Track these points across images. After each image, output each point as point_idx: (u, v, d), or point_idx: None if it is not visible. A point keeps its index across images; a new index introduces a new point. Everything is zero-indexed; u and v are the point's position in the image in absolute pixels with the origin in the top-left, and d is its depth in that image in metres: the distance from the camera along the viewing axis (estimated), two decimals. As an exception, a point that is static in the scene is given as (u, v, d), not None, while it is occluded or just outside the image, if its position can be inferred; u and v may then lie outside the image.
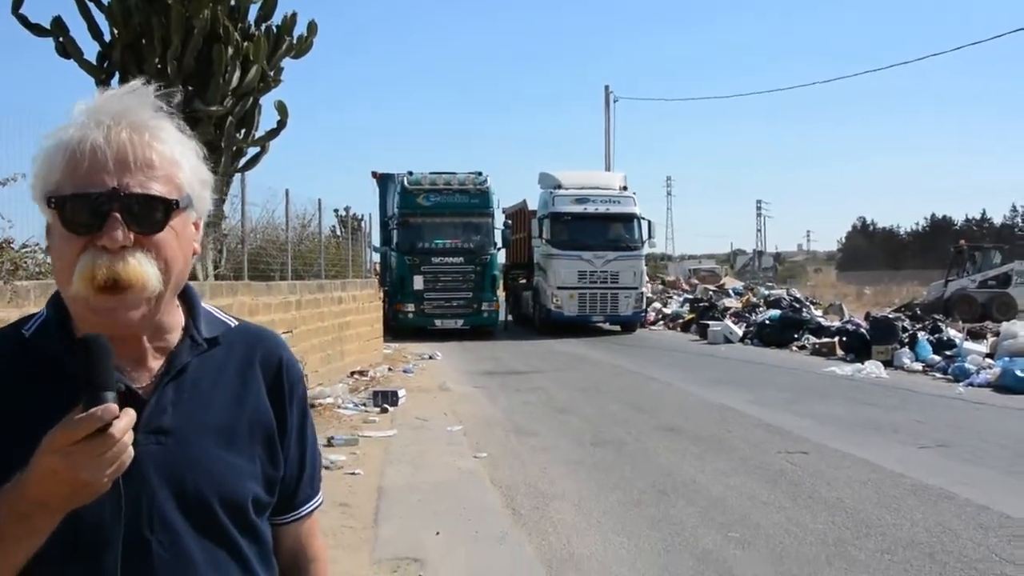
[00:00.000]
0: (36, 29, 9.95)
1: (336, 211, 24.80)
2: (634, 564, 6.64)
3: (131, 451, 1.34)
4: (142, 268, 1.44)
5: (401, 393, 14.45)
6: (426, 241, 27.94)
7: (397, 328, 26.52)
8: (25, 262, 8.15)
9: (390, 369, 19.29)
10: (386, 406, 13.66)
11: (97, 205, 1.42)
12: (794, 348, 23.86)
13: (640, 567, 6.58)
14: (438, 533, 7.38)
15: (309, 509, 1.81)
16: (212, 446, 1.57)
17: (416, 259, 27.75)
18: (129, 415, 1.32)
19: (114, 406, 1.30)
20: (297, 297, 15.18)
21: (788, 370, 19.42)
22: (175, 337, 1.61)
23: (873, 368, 18.55)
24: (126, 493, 1.43)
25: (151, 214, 1.46)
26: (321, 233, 19.25)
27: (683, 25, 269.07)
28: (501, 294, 31.29)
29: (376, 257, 28.78)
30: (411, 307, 27.58)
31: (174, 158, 1.51)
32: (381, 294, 24.43)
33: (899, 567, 6.48)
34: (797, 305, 30.51)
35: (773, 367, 20.04)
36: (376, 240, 28.46)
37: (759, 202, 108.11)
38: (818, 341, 23.22)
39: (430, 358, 21.83)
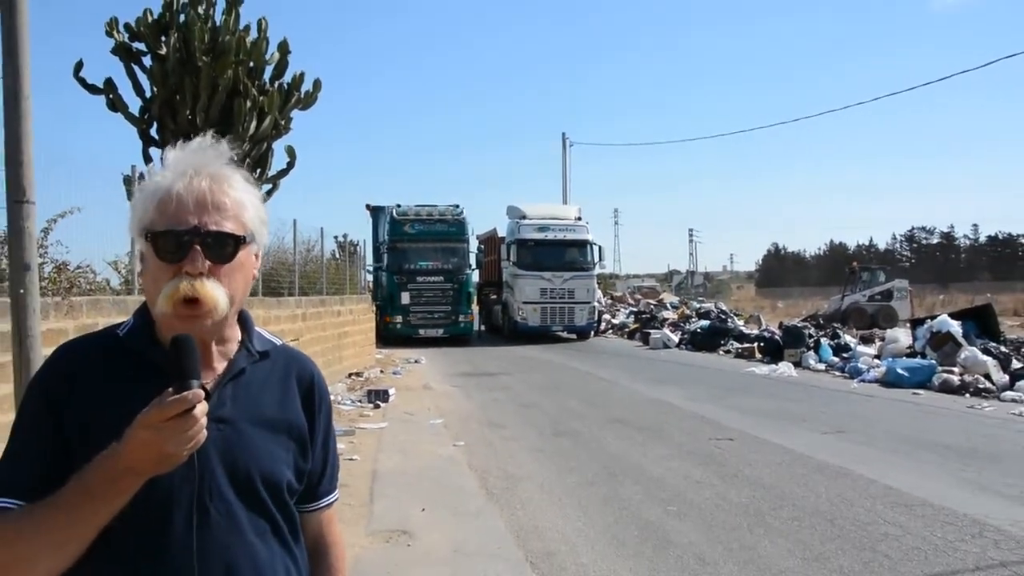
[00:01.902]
0: (92, 88, 10.00)
1: (335, 237, 24.77)
2: (588, 534, 6.67)
3: (205, 432, 1.40)
4: (214, 291, 1.53)
5: (391, 392, 14.40)
6: (412, 263, 27.86)
7: (387, 336, 26.37)
8: (79, 281, 8.12)
9: (381, 371, 19.19)
10: (378, 403, 13.62)
11: (182, 239, 1.52)
12: (721, 352, 24.00)
13: (593, 537, 6.60)
14: (423, 509, 7.37)
15: (329, 501, 1.85)
16: (259, 436, 1.63)
17: (403, 278, 27.67)
18: (205, 403, 1.39)
19: (200, 391, 1.37)
20: (303, 310, 15.12)
21: (716, 370, 19.53)
22: (233, 347, 1.69)
23: (785, 368, 18.74)
24: (197, 466, 1.50)
25: (223, 247, 1.56)
26: (323, 256, 19.18)
27: (634, 73, 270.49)
28: (475, 308, 31.25)
29: (370, 276, 28.74)
30: (399, 319, 27.47)
31: (242, 202, 1.60)
32: (374, 308, 24.36)
33: (807, 531, 6.56)
34: (723, 316, 30.68)
35: (703, 368, 20.14)
36: (369, 262, 28.45)
37: (691, 230, 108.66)
38: (740, 346, 23.38)
39: (415, 362, 21.73)
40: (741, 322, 30.61)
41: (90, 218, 7.71)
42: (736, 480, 8.31)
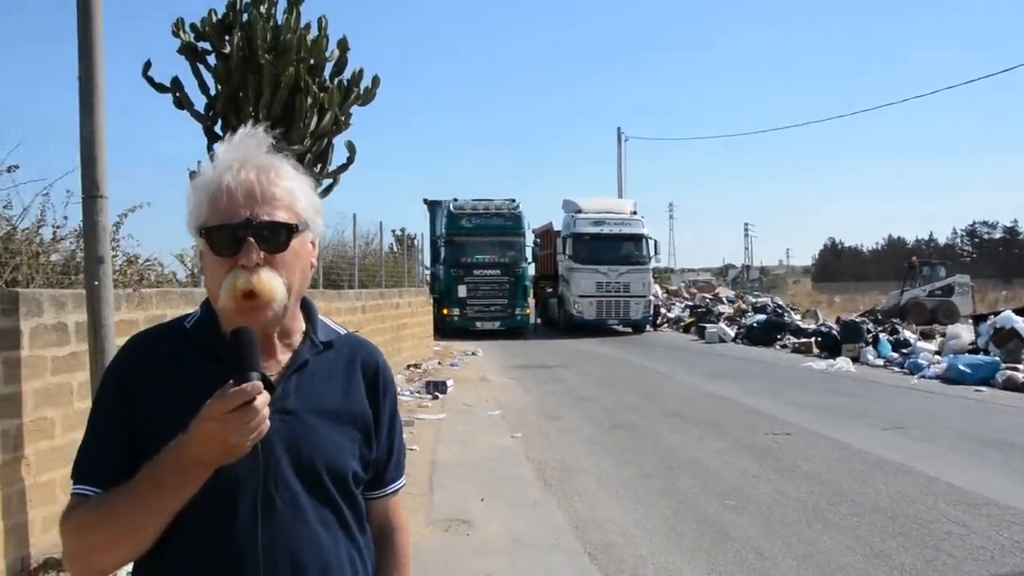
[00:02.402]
0: (159, 87, 10.20)
1: (393, 231, 24.91)
2: (646, 527, 6.62)
3: (268, 423, 1.40)
4: (272, 282, 1.52)
5: (449, 383, 14.47)
6: (468, 256, 28.00)
7: (444, 329, 26.49)
8: (148, 274, 8.27)
9: (439, 363, 19.28)
10: (437, 394, 13.69)
11: (235, 232, 1.51)
12: (777, 347, 23.61)
13: (651, 529, 6.56)
14: (482, 499, 7.40)
15: (395, 488, 1.84)
16: (323, 427, 1.62)
17: (460, 271, 27.84)
18: (266, 394, 1.39)
19: (259, 383, 1.37)
20: (363, 303, 15.26)
21: (772, 365, 19.24)
22: (297, 339, 1.68)
23: (843, 363, 18.41)
24: (262, 457, 1.50)
25: (277, 237, 1.54)
26: (382, 250, 19.31)
27: (688, 68, 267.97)
28: (531, 301, 31.29)
29: (427, 270, 28.93)
30: (456, 311, 27.61)
31: (292, 191, 1.59)
32: (431, 300, 24.52)
33: (867, 528, 6.44)
34: (779, 311, 30.26)
35: (760, 362, 19.86)
36: (427, 255, 28.64)
37: (746, 224, 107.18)
38: (797, 341, 22.98)
39: (472, 354, 21.79)
40: (798, 317, 30.19)
41: (158, 212, 7.86)
42: (794, 475, 8.19)
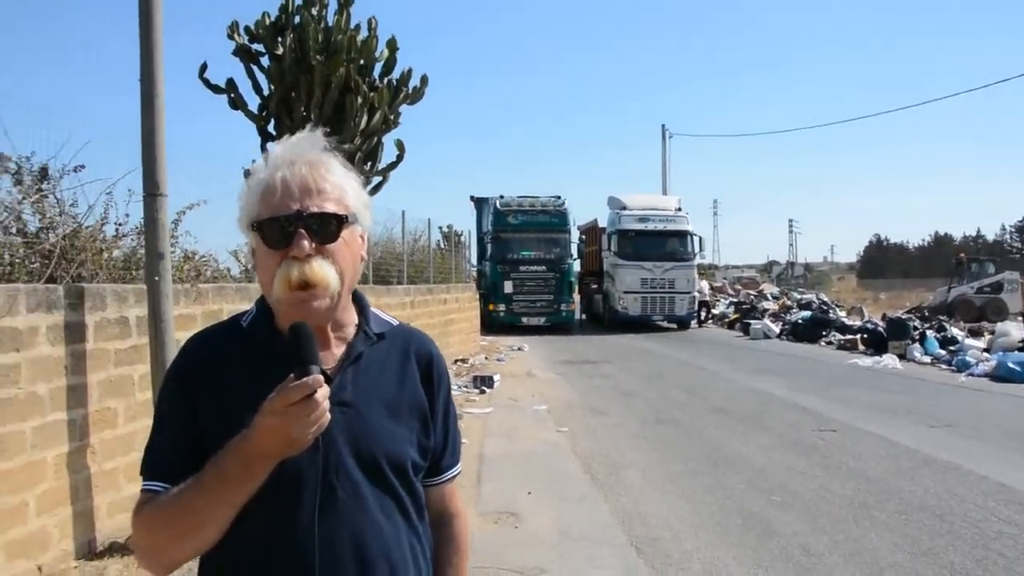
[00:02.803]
0: (215, 88, 10.38)
1: (440, 228, 25.05)
2: (692, 522, 6.61)
3: (328, 415, 1.43)
4: (324, 271, 1.54)
5: (496, 378, 14.53)
6: (514, 252, 28.03)
7: (490, 324, 26.54)
8: (204, 269, 8.42)
9: (486, 358, 19.36)
10: (484, 388, 13.76)
11: (286, 225, 1.54)
12: (822, 343, 23.26)
13: (697, 524, 6.55)
14: (530, 493, 7.43)
15: (451, 475, 1.85)
16: (381, 417, 1.64)
17: (506, 267, 27.87)
18: (326, 387, 1.41)
19: (320, 377, 1.39)
20: (411, 298, 15.38)
21: (817, 362, 18.99)
22: (351, 331, 1.70)
23: (890, 360, 18.17)
24: (323, 448, 1.53)
25: (327, 227, 1.56)
26: (430, 246, 19.43)
27: (731, 67, 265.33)
28: (576, 297, 31.25)
29: (474, 266, 29.03)
30: (502, 307, 27.66)
31: (342, 185, 1.62)
32: (478, 296, 24.60)
33: (915, 526, 6.36)
34: (825, 307, 29.82)
35: (805, 359, 19.62)
36: (473, 251, 28.73)
37: (791, 220, 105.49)
38: (843, 337, 22.70)
39: (519, 349, 21.85)
40: (843, 313, 29.76)
41: (213, 210, 8.00)
42: (840, 472, 8.11)
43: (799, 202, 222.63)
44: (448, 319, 18.46)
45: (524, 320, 27.71)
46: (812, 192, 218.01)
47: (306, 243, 1.53)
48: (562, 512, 6.90)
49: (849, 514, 6.72)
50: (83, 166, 6.51)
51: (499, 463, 8.62)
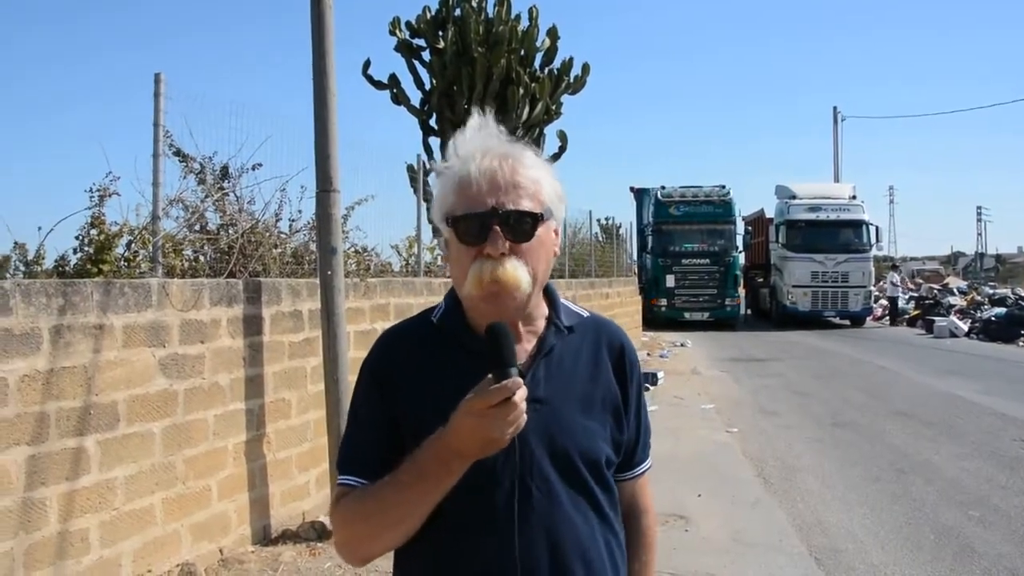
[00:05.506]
0: (378, 84, 10.67)
1: (598, 220, 24.90)
2: (878, 534, 6.25)
3: (525, 416, 1.40)
4: (516, 272, 1.54)
5: (660, 375, 14.33)
6: (677, 245, 27.55)
7: (652, 319, 26.16)
8: (370, 263, 8.64)
9: (648, 354, 19.08)
10: (647, 385, 13.53)
11: (482, 221, 1.53)
12: (1020, 343, 21.45)
13: (883, 536, 6.18)
14: (699, 495, 7.24)
15: (643, 469, 1.85)
16: (575, 413, 1.63)
17: (668, 261, 27.43)
18: (524, 388, 1.38)
19: (519, 379, 1.38)
20: (573, 292, 15.37)
21: (1014, 363, 17.52)
22: (541, 324, 1.69)
23: (1101, 364, 16.72)
24: (518, 446, 1.52)
25: (522, 226, 1.55)
26: (591, 239, 19.36)
27: (906, 43, 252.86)
28: (741, 291, 30.48)
29: (635, 259, 28.78)
30: (664, 302, 27.22)
31: (537, 179, 1.60)
32: (639, 290, 24.31)
33: None
34: (1022, 303, 27.84)
35: (1000, 360, 18.20)
36: (633, 244, 28.44)
37: (979, 207, 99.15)
38: (1045, 338, 20.96)
39: (682, 345, 21.46)
40: (1044, 311, 27.72)
41: (376, 204, 8.20)
42: (1047, 487, 7.48)
43: (987, 187, 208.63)
44: (610, 314, 18.28)
45: (687, 315, 27.17)
46: (1003, 175, 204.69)
47: (501, 242, 1.52)
48: (734, 516, 6.68)
49: (1060, 533, 6.17)
50: (260, 164, 6.78)
51: (666, 463, 8.41)
